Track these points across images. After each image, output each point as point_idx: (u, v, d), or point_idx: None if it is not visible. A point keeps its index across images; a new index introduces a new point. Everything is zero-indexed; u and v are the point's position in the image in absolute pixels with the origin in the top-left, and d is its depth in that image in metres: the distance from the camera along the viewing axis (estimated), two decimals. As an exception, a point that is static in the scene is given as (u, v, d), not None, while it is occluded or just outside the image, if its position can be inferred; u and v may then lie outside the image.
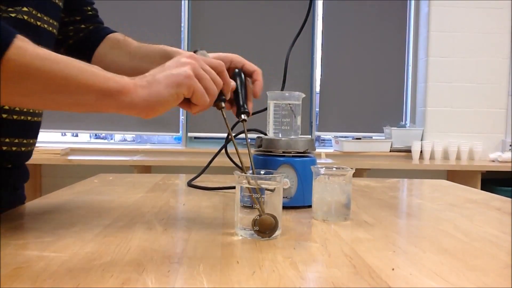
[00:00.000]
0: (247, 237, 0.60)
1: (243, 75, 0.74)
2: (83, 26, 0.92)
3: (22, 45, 0.52)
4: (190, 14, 3.31)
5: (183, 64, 0.60)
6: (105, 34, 0.92)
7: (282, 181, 0.63)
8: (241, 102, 0.71)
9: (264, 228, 0.59)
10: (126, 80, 0.58)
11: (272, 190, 0.61)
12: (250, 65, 0.75)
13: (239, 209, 0.61)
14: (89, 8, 0.94)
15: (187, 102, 0.62)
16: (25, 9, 0.73)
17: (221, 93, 0.65)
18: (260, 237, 0.59)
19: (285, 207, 0.81)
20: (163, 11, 3.27)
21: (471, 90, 3.31)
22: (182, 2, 3.29)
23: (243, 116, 0.70)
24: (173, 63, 0.61)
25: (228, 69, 0.73)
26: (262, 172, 0.68)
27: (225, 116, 0.68)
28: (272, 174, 0.66)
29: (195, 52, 0.70)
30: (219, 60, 0.68)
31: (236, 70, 0.74)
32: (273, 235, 0.60)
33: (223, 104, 0.67)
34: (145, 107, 0.58)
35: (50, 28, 0.80)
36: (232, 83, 0.69)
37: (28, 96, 0.55)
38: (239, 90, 0.72)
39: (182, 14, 3.29)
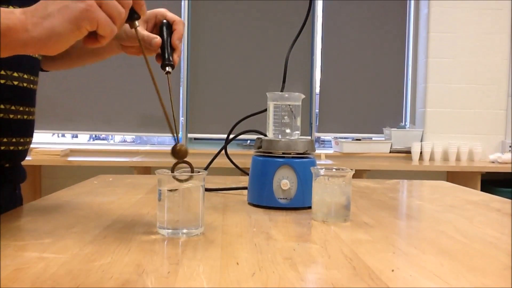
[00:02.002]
0: (165, 235, 0.61)
1: (168, 27, 0.72)
2: None
3: None
4: (190, 14, 3.31)
5: None
6: None
7: (199, 180, 0.63)
8: (166, 54, 0.70)
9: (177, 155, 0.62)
10: (13, 18, 0.52)
11: (171, 190, 0.62)
12: (171, 16, 0.73)
13: (158, 207, 0.63)
14: None
15: (92, 36, 0.56)
16: (11, 8, 0.73)
17: (133, 11, 0.60)
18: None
19: (285, 208, 0.81)
20: (163, 11, 3.27)
21: (471, 91, 3.31)
22: (182, 2, 3.29)
23: (167, 69, 0.69)
24: None
25: (155, 24, 0.74)
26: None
27: (139, 37, 0.64)
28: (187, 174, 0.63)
29: None
30: (146, 17, 0.66)
31: (164, 21, 0.73)
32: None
33: (137, 23, 0.62)
34: (41, 45, 0.53)
35: None
36: (158, 38, 0.69)
37: None
38: (165, 42, 0.71)
39: (182, 14, 3.29)
